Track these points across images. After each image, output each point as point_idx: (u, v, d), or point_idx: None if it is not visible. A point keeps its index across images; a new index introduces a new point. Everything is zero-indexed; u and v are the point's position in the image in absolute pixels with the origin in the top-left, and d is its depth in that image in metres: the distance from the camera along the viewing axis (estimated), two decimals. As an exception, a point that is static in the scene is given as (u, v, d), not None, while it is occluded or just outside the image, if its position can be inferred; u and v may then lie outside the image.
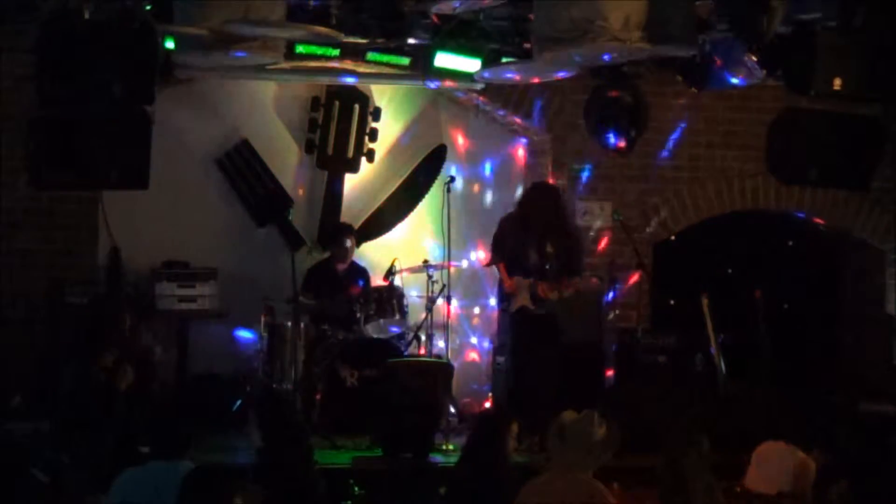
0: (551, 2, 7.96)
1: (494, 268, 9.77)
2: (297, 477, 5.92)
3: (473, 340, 11.25)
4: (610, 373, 10.35)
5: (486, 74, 9.77)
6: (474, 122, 11.16)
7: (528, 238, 9.52)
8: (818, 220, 11.50)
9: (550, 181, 10.59)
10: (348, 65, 10.06)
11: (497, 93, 10.66)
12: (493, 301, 10.95)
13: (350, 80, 10.57)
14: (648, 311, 10.72)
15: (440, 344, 10.23)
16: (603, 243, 10.81)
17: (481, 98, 10.73)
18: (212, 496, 5.20)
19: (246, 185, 10.77)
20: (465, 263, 11.04)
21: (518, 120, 11.01)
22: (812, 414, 8.51)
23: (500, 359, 10.40)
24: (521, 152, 11.35)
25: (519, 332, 9.51)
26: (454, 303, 10.17)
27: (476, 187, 11.34)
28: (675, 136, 11.03)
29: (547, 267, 9.36)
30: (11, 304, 9.59)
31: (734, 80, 9.72)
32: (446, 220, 9.84)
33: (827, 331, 11.79)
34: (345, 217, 10.95)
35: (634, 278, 10.62)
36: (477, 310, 11.25)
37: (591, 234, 10.81)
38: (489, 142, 11.35)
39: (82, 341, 9.13)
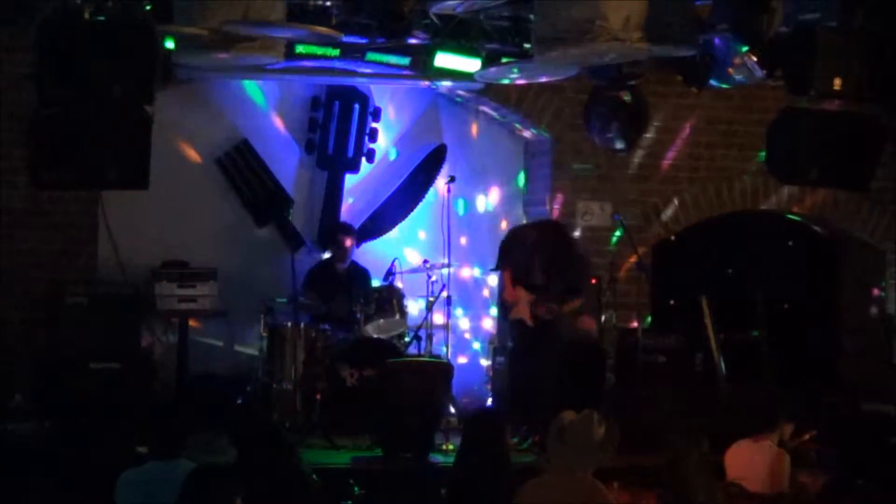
0: (551, 2, 7.97)
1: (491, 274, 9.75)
2: (278, 479, 5.90)
3: (475, 343, 11.27)
4: (610, 373, 10.35)
5: (486, 74, 9.77)
6: (474, 123, 11.18)
7: (536, 257, 9.49)
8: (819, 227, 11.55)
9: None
10: (348, 65, 10.06)
11: (497, 93, 10.66)
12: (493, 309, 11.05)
13: (350, 81, 10.58)
14: (648, 311, 10.72)
15: (440, 344, 10.24)
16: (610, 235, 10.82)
17: (481, 98, 10.73)
18: (212, 496, 5.20)
19: (246, 185, 10.76)
20: (468, 271, 11.07)
21: (518, 120, 11.02)
22: (812, 413, 8.50)
23: (500, 359, 10.41)
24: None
25: (518, 337, 9.52)
26: (454, 303, 10.19)
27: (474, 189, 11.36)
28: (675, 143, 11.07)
29: (550, 288, 9.37)
30: (11, 304, 9.58)
31: (734, 80, 9.73)
32: (446, 220, 9.84)
33: (827, 331, 11.80)
34: (345, 217, 10.95)
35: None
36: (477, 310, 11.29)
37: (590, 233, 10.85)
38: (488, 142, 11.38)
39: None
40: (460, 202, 10.95)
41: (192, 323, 10.21)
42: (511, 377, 9.70)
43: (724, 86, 9.99)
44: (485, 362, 11.07)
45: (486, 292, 11.27)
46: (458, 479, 6.43)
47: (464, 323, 11.19)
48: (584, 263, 9.81)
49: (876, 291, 11.47)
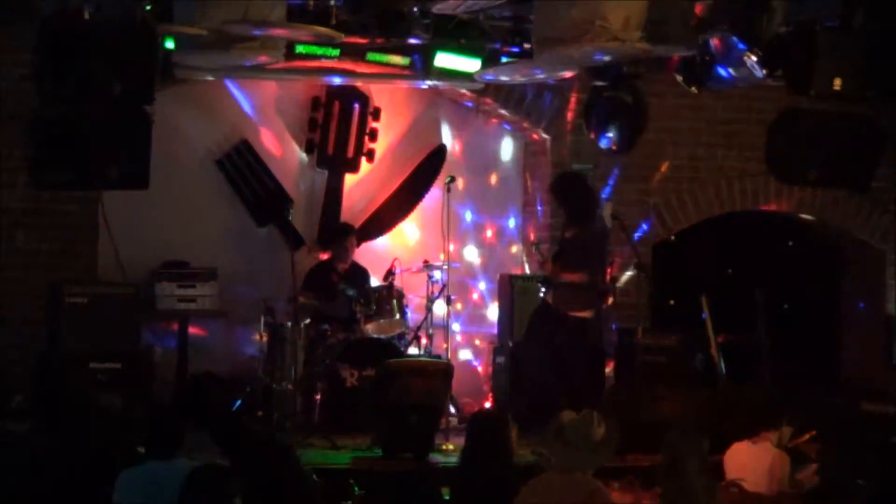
0: (551, 2, 7.97)
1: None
2: (277, 479, 5.89)
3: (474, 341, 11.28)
4: (610, 372, 10.35)
5: (487, 74, 9.77)
6: (474, 123, 11.18)
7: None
8: (810, 218, 11.55)
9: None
10: (348, 65, 10.06)
11: (497, 93, 10.66)
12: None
13: (350, 81, 10.57)
14: (648, 312, 10.72)
15: (440, 344, 10.24)
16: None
17: (481, 98, 10.73)
18: (212, 495, 5.21)
19: (246, 185, 10.77)
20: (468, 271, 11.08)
21: (518, 120, 11.01)
22: (812, 414, 8.50)
23: (500, 359, 10.41)
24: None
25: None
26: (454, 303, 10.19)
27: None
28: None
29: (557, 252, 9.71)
30: (11, 304, 9.59)
31: (734, 80, 9.72)
32: (446, 220, 9.84)
33: (827, 331, 11.80)
34: (345, 217, 10.95)
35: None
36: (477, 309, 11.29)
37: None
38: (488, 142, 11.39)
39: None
40: (460, 202, 10.95)
41: (191, 323, 10.22)
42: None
43: (724, 86, 9.98)
44: (485, 362, 11.07)
45: (483, 289, 11.28)
46: (462, 478, 6.42)
47: (464, 323, 11.20)
48: (573, 235, 9.75)
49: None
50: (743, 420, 8.44)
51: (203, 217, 10.67)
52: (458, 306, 10.88)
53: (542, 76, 9.73)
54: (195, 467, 5.49)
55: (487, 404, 10.52)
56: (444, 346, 9.94)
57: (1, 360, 9.34)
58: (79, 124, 7.46)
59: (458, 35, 9.39)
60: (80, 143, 7.46)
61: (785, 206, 11.32)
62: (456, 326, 10.64)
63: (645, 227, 10.84)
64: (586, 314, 9.55)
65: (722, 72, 9.36)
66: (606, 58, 8.60)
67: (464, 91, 10.68)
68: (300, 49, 9.47)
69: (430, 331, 10.08)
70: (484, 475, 6.27)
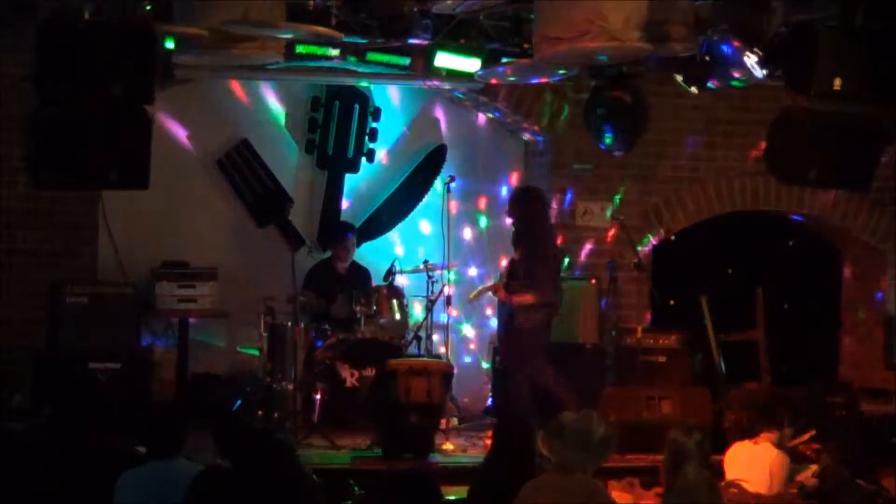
0: (551, 2, 7.97)
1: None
2: (277, 479, 5.89)
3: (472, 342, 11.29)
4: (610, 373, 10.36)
5: (486, 74, 9.77)
6: (474, 122, 11.18)
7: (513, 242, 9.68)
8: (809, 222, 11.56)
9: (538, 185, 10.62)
10: (348, 65, 10.06)
11: (497, 93, 10.67)
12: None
13: (350, 81, 10.57)
14: (648, 312, 10.72)
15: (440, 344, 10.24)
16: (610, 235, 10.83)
17: (481, 98, 10.73)
18: (217, 497, 5.20)
19: (246, 185, 10.77)
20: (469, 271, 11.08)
21: (518, 120, 11.02)
22: (811, 414, 8.51)
23: (500, 359, 10.40)
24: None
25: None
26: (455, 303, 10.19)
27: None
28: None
29: (509, 272, 9.58)
30: (11, 304, 9.59)
31: (734, 80, 9.72)
32: (446, 220, 9.84)
33: (827, 331, 11.80)
34: (345, 217, 10.96)
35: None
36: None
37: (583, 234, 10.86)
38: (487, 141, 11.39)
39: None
40: (459, 202, 10.95)
41: (191, 323, 10.22)
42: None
43: (724, 86, 9.99)
44: (485, 363, 11.08)
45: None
46: (487, 481, 6.40)
47: (464, 323, 11.19)
48: (539, 252, 9.55)
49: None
50: (743, 420, 8.46)
51: (203, 217, 10.68)
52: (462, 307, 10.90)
53: (541, 76, 9.72)
54: (200, 471, 5.48)
55: (488, 403, 10.53)
56: (444, 346, 9.94)
57: (1, 359, 9.34)
58: (79, 124, 7.45)
59: (458, 35, 9.39)
60: (80, 143, 7.45)
61: (785, 206, 11.32)
62: (456, 326, 10.63)
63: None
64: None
65: (725, 48, 9.36)
66: (606, 58, 8.61)
67: (464, 91, 10.68)
68: (300, 49, 9.45)
69: (430, 331, 10.08)
70: (508, 479, 6.24)
